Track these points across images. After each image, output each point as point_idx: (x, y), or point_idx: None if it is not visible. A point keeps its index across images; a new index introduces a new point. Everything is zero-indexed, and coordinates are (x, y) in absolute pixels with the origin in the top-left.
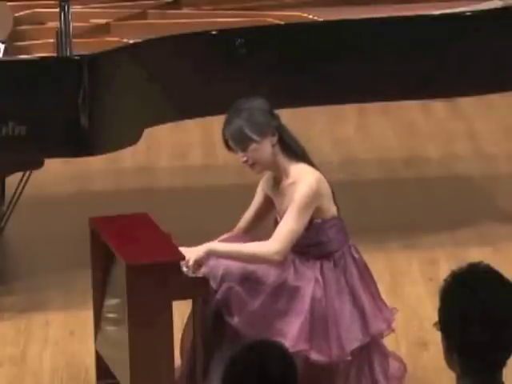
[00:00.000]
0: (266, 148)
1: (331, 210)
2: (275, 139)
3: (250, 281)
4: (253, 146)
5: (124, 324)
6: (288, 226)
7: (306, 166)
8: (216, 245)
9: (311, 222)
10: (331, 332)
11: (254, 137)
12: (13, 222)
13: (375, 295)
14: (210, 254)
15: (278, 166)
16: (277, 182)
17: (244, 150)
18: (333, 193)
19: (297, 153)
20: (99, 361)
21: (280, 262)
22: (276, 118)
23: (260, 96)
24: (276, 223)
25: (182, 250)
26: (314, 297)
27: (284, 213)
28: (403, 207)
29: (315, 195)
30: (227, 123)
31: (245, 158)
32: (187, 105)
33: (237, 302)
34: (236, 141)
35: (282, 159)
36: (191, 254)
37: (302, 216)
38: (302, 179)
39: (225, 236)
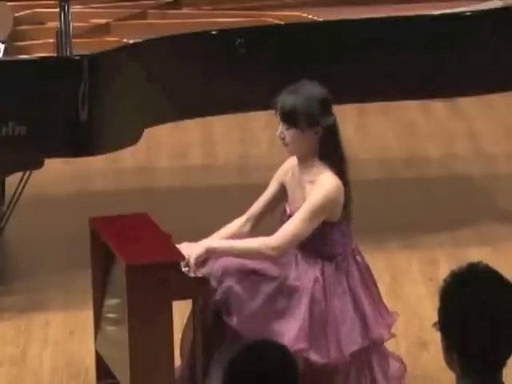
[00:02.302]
0: (304, 140)
1: (337, 214)
2: (316, 137)
3: (249, 280)
4: (294, 131)
5: (124, 324)
6: (294, 227)
7: (329, 172)
8: (215, 242)
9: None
10: (330, 334)
11: (301, 124)
12: (13, 222)
13: (377, 299)
14: (209, 252)
15: (306, 160)
16: (297, 171)
17: (286, 128)
18: (349, 197)
19: (330, 159)
20: (99, 361)
21: (281, 258)
22: (332, 116)
23: (325, 88)
24: (285, 212)
25: (180, 246)
26: (313, 297)
27: (295, 206)
28: (403, 207)
29: (331, 202)
30: (285, 96)
31: (282, 135)
32: (187, 105)
33: (236, 302)
34: (284, 116)
35: (313, 156)
36: (191, 251)
37: (312, 220)
38: (322, 182)
39: (234, 225)
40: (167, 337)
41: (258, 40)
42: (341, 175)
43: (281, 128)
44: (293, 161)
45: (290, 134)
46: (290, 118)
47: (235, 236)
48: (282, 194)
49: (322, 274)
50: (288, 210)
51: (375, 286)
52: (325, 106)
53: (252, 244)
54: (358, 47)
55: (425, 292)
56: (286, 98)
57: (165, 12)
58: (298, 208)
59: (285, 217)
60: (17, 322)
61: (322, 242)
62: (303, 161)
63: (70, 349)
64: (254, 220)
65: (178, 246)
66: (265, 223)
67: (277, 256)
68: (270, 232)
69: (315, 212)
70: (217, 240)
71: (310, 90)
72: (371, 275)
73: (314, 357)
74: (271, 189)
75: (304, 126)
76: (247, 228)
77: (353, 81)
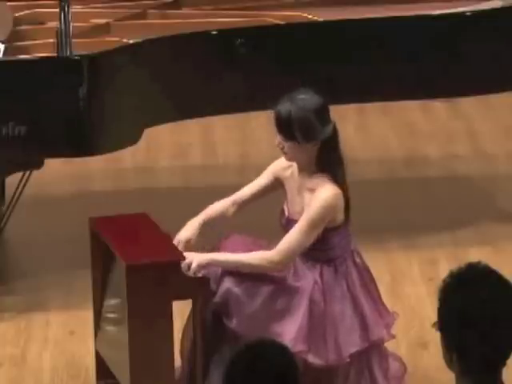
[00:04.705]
0: (302, 152)
1: (339, 219)
2: (315, 149)
3: (248, 282)
4: (292, 143)
5: (124, 324)
6: (296, 239)
7: (328, 180)
8: (219, 255)
9: None
10: (329, 336)
11: (298, 137)
12: (13, 222)
13: (376, 300)
14: (212, 264)
15: (306, 168)
16: (298, 176)
17: (283, 140)
18: (348, 202)
19: (329, 169)
20: (99, 361)
21: None
22: (329, 126)
23: (318, 95)
24: (283, 214)
25: (185, 253)
26: (312, 299)
27: (293, 209)
28: (403, 207)
29: (329, 212)
30: (282, 109)
31: (281, 145)
32: (187, 105)
33: (235, 303)
34: (281, 130)
35: (312, 166)
36: (195, 257)
37: (312, 232)
38: (320, 193)
39: (219, 206)
40: (167, 337)
41: (258, 40)
42: (340, 182)
43: (279, 138)
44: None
45: (287, 145)
46: (286, 131)
47: (221, 217)
48: (274, 186)
49: (321, 277)
50: (286, 211)
51: (375, 286)
52: (322, 117)
53: (256, 261)
54: (358, 47)
55: (425, 292)
56: (282, 111)
57: (165, 12)
58: (296, 212)
59: (283, 219)
60: (17, 322)
61: (322, 246)
62: (302, 169)
63: (69, 349)
64: (239, 206)
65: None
66: (263, 222)
67: (281, 270)
68: (267, 231)
69: (314, 224)
70: (221, 253)
71: (306, 102)
72: (371, 276)
73: (312, 359)
74: (263, 180)
75: (301, 140)
76: (231, 211)
77: (353, 81)
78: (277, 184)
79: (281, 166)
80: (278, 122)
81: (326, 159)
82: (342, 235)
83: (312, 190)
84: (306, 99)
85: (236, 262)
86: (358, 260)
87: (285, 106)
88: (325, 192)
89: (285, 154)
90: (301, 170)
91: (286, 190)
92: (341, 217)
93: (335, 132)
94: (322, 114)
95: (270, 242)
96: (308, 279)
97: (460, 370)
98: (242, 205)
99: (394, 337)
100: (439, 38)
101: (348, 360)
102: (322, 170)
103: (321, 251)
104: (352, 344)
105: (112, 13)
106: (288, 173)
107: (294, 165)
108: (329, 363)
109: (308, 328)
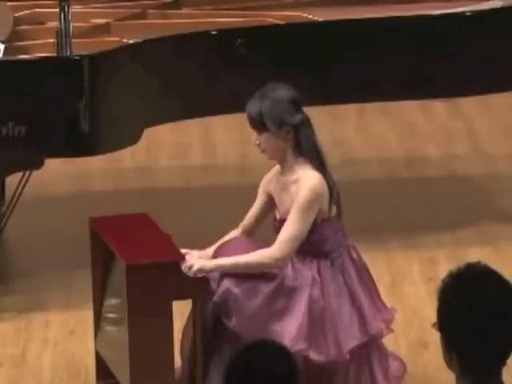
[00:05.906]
0: (277, 141)
1: (327, 209)
2: (289, 137)
3: (248, 282)
4: (266, 134)
5: (124, 324)
6: (291, 231)
7: (310, 167)
8: (221, 261)
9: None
10: (329, 332)
11: (270, 127)
12: (13, 222)
13: (374, 296)
14: (216, 270)
15: (286, 161)
16: (281, 175)
17: (258, 134)
18: (338, 194)
19: (306, 155)
20: (99, 361)
21: None
22: (299, 114)
23: (290, 87)
24: (275, 220)
25: (189, 255)
26: (311, 297)
27: (284, 208)
28: (403, 207)
29: (317, 197)
30: (251, 103)
31: (257, 142)
32: (187, 105)
33: (234, 303)
34: (253, 123)
35: (291, 156)
36: (197, 262)
37: (305, 219)
38: (304, 179)
39: (229, 237)
40: (167, 337)
41: (258, 40)
42: (320, 169)
43: (255, 135)
44: (275, 169)
45: (263, 138)
46: (257, 123)
47: None
48: (270, 202)
49: (319, 272)
50: (278, 215)
51: (372, 282)
52: (291, 106)
53: (256, 259)
54: (358, 47)
55: (425, 292)
56: (252, 105)
57: (165, 12)
58: (287, 210)
59: (276, 222)
60: (17, 322)
61: (316, 239)
62: (283, 163)
63: (70, 349)
64: (249, 231)
65: (185, 251)
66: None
67: (283, 264)
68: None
69: (306, 209)
70: (224, 258)
71: (276, 93)
72: (368, 272)
73: (313, 356)
74: (259, 199)
75: (273, 128)
76: None
77: (353, 81)
78: (270, 198)
79: (267, 180)
80: (250, 120)
81: (302, 146)
82: (335, 228)
83: (296, 181)
84: (274, 91)
85: (239, 265)
86: (354, 255)
87: (254, 102)
88: (309, 179)
89: (263, 151)
90: (282, 165)
91: (274, 199)
92: (326, 206)
93: (309, 124)
94: (292, 104)
95: (269, 245)
96: (306, 277)
97: (460, 370)
98: (251, 230)
99: (392, 330)
100: (439, 38)
101: (348, 356)
102: (300, 155)
103: (315, 245)
104: (351, 338)
105: (112, 13)
106: (273, 183)
107: (277, 171)
108: (329, 359)
109: (308, 326)
